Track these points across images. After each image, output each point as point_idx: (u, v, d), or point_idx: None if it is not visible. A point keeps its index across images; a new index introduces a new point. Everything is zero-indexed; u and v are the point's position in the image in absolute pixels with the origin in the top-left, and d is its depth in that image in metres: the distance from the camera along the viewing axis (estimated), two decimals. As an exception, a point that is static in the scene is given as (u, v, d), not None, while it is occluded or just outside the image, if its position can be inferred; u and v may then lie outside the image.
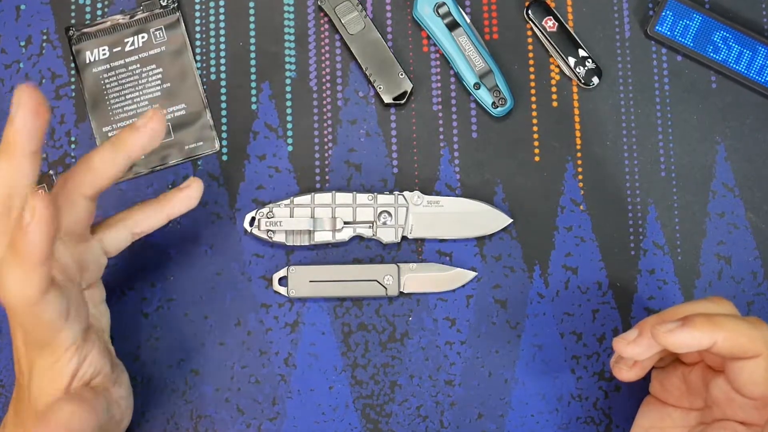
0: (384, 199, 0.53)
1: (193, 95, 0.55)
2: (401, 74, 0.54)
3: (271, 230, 0.53)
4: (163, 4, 0.55)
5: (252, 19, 0.56)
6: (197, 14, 0.56)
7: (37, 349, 0.42)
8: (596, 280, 0.53)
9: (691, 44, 0.54)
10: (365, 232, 0.53)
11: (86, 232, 0.46)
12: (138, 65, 0.55)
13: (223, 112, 0.55)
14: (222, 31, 0.56)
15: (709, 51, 0.54)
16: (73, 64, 0.55)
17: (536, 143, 0.55)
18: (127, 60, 0.55)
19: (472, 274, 0.53)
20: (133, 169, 0.54)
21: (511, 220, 0.53)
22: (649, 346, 0.42)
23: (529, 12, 0.55)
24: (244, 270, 0.54)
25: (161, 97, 0.55)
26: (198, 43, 0.55)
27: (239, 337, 0.53)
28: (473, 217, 0.53)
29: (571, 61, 0.54)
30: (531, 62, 0.55)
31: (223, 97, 0.55)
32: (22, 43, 0.55)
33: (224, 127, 0.55)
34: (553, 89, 0.55)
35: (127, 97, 0.55)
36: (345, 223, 0.53)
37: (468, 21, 0.54)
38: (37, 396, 0.43)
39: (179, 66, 0.55)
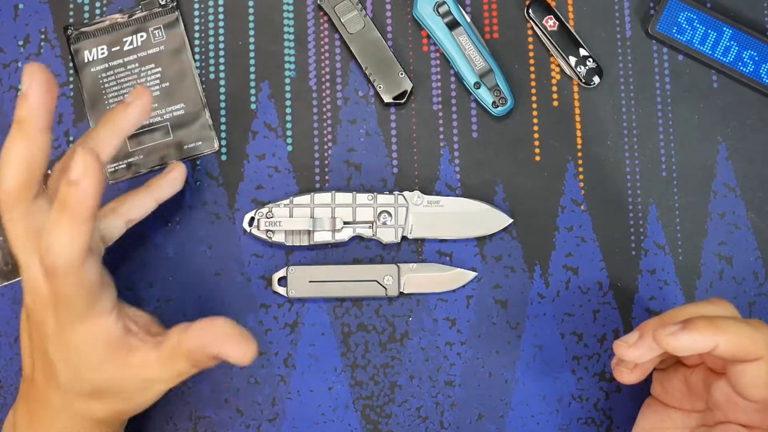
0: (384, 199, 0.53)
1: (192, 95, 0.55)
2: (401, 74, 0.54)
3: (271, 230, 0.52)
4: (162, 3, 0.55)
5: (251, 18, 0.56)
6: (196, 13, 0.55)
7: (76, 323, 0.42)
8: (597, 280, 0.53)
9: (693, 43, 0.54)
10: (365, 232, 0.53)
11: None
12: (137, 65, 0.55)
13: (222, 112, 0.55)
14: (221, 30, 0.55)
15: (711, 50, 0.54)
16: (71, 64, 0.55)
17: (537, 143, 0.54)
18: (125, 59, 0.55)
19: (472, 275, 0.53)
20: (132, 169, 0.54)
21: (512, 220, 0.53)
22: (650, 349, 0.42)
23: (530, 11, 0.55)
24: (243, 270, 0.53)
25: (160, 96, 0.55)
26: (197, 42, 0.55)
27: (238, 338, 0.53)
28: (473, 217, 0.53)
29: (572, 60, 0.54)
30: (531, 61, 0.55)
31: (222, 97, 0.55)
32: (21, 43, 0.55)
33: (223, 127, 0.55)
34: (554, 89, 0.55)
35: (126, 96, 0.54)
36: (345, 223, 0.52)
37: (468, 20, 0.54)
38: (89, 371, 0.43)
39: (178, 65, 0.55)
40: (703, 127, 0.54)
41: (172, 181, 0.51)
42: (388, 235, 0.53)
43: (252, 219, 0.53)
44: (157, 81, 0.55)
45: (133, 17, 0.55)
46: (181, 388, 0.53)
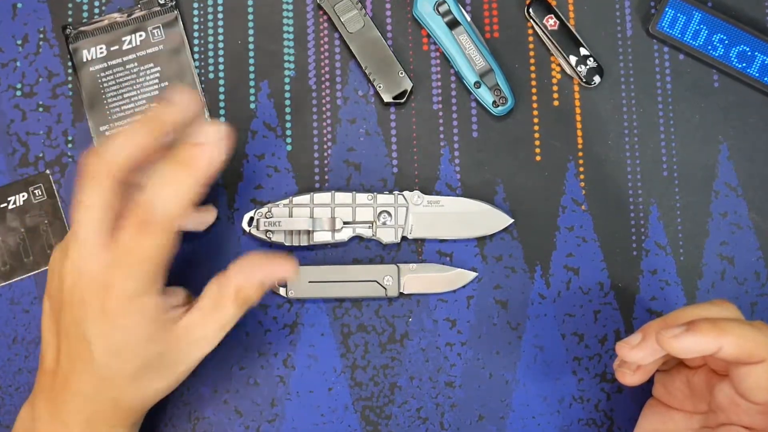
0: (384, 198, 0.52)
1: (191, 94, 0.55)
2: (401, 73, 0.54)
3: (270, 230, 0.52)
4: (161, 2, 0.55)
5: (250, 17, 0.55)
6: (195, 12, 0.55)
7: (133, 298, 0.42)
8: (598, 280, 0.53)
9: (694, 43, 0.54)
10: (365, 232, 0.52)
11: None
12: (135, 64, 0.55)
13: (222, 111, 0.55)
14: (220, 30, 0.55)
15: (712, 49, 0.54)
16: (70, 63, 0.55)
17: (537, 143, 0.54)
18: (124, 59, 0.55)
19: (472, 275, 0.53)
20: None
21: (512, 220, 0.53)
22: (652, 350, 0.42)
23: (530, 10, 0.54)
24: (243, 270, 0.53)
25: (159, 96, 0.54)
26: (196, 41, 0.55)
27: (237, 338, 0.53)
28: (474, 217, 0.53)
29: (573, 59, 0.54)
30: (532, 61, 0.55)
31: (222, 96, 0.55)
32: (19, 42, 0.55)
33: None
34: (554, 88, 0.55)
35: (125, 96, 0.54)
36: (344, 223, 0.52)
37: (468, 19, 0.54)
38: (133, 351, 0.43)
39: (177, 65, 0.55)
40: (704, 126, 0.54)
41: (199, 221, 0.50)
42: (387, 235, 0.52)
43: (251, 219, 0.53)
44: (156, 80, 0.55)
45: (132, 16, 0.55)
46: (180, 388, 0.52)
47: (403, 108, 0.55)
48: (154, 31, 0.55)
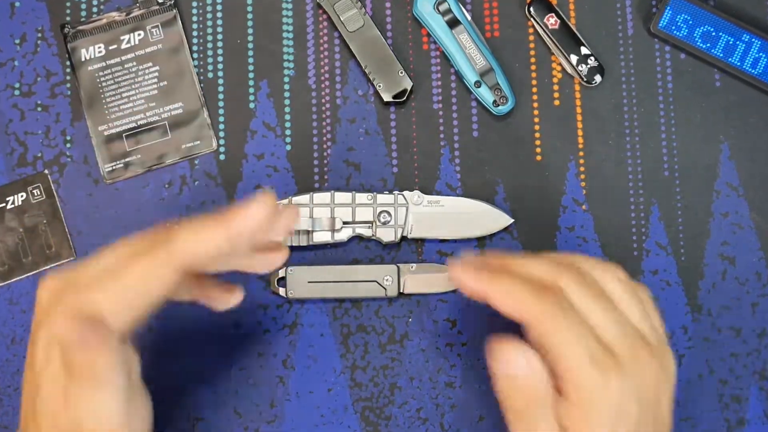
0: (383, 198, 0.52)
1: (190, 94, 0.54)
2: (401, 72, 0.54)
3: (269, 230, 0.52)
4: (160, 1, 0.55)
5: (250, 16, 0.55)
6: (194, 11, 0.55)
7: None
8: (598, 280, 0.53)
9: (695, 42, 0.54)
10: (364, 232, 0.52)
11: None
12: (134, 63, 0.54)
13: (221, 111, 0.55)
14: (219, 29, 0.55)
15: (713, 49, 0.54)
16: (68, 62, 0.54)
17: (538, 142, 0.54)
18: (123, 58, 0.54)
19: (472, 275, 0.53)
20: (129, 169, 0.54)
21: (512, 220, 0.53)
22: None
23: (531, 9, 0.54)
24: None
25: (158, 95, 0.54)
26: (195, 40, 0.55)
27: (237, 339, 0.53)
28: (474, 217, 0.53)
29: (573, 59, 0.54)
30: (532, 60, 0.55)
31: (221, 96, 0.55)
32: (17, 41, 0.55)
33: (222, 126, 0.54)
34: (555, 87, 0.54)
35: (124, 95, 0.54)
36: (344, 223, 0.52)
37: (469, 18, 0.54)
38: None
39: (176, 64, 0.54)
40: (705, 126, 0.54)
41: (222, 299, 0.47)
42: (387, 235, 0.52)
43: (250, 219, 0.52)
44: (155, 80, 0.54)
45: (131, 15, 0.55)
46: (179, 389, 0.52)
47: (403, 107, 0.55)
48: (153, 30, 0.55)
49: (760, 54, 0.53)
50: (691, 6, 0.54)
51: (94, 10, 0.55)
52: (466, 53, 0.54)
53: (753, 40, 0.53)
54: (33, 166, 0.54)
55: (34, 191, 0.54)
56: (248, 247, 0.42)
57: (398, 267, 0.52)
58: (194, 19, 0.55)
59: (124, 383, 0.40)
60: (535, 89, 0.55)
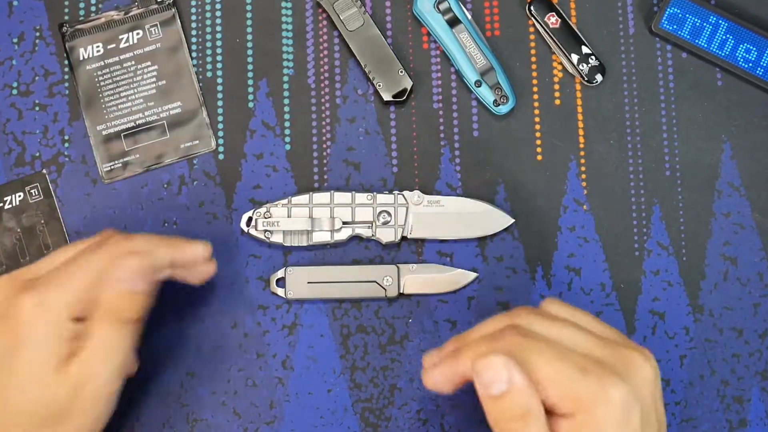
0: (383, 198, 0.52)
1: (188, 93, 0.54)
2: (401, 72, 0.54)
3: (269, 230, 0.52)
4: (159, 0, 0.54)
5: (249, 15, 0.55)
6: (193, 10, 0.55)
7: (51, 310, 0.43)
8: (600, 281, 0.53)
9: (697, 41, 0.53)
10: (364, 232, 0.52)
11: None
12: (133, 62, 0.54)
13: (220, 110, 0.54)
14: (218, 28, 0.55)
15: (715, 48, 0.53)
16: (66, 62, 0.54)
17: (538, 142, 0.54)
18: (121, 57, 0.54)
19: (473, 275, 0.52)
20: (128, 168, 0.54)
21: (513, 221, 0.52)
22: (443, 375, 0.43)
23: (532, 8, 0.54)
24: (241, 271, 0.53)
25: (156, 95, 0.54)
26: (194, 39, 0.55)
27: (236, 340, 0.52)
28: (474, 217, 0.52)
29: (574, 58, 0.54)
30: (533, 59, 0.55)
31: (220, 95, 0.54)
32: (15, 40, 0.55)
33: (220, 126, 0.54)
34: (556, 87, 0.54)
35: (122, 94, 0.54)
36: (343, 223, 0.52)
37: (469, 17, 0.54)
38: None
39: (175, 63, 0.54)
40: (707, 125, 0.54)
41: (197, 270, 0.48)
42: (387, 235, 0.52)
43: (250, 219, 0.52)
44: (154, 79, 0.54)
45: (129, 14, 0.54)
46: (177, 390, 0.52)
47: (403, 107, 0.54)
48: (152, 29, 0.54)
49: (762, 53, 0.53)
50: (692, 5, 0.53)
51: (93, 9, 0.55)
52: (467, 52, 0.53)
53: (755, 38, 0.53)
54: (31, 166, 0.54)
55: (32, 191, 0.53)
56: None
57: (398, 267, 0.52)
58: (193, 18, 0.55)
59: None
60: (535, 89, 0.54)
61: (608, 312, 0.52)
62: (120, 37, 0.54)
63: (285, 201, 0.52)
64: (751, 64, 0.53)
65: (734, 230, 0.53)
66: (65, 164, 0.54)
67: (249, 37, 0.55)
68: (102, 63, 0.54)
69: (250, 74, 0.55)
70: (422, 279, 0.52)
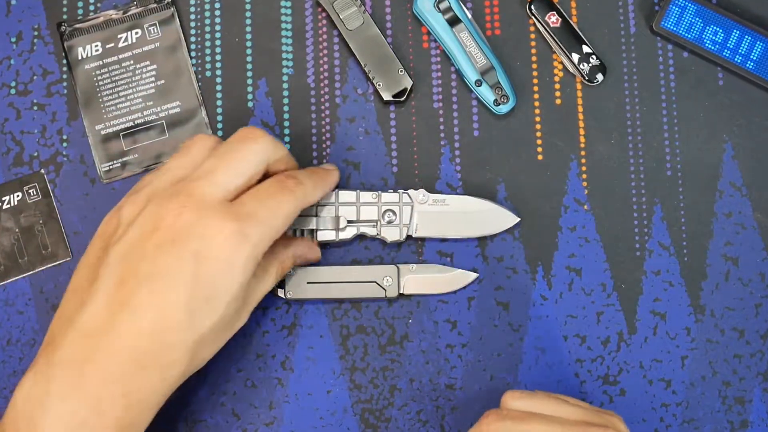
0: (388, 197, 0.52)
1: (188, 92, 0.54)
2: (401, 71, 0.53)
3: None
4: (158, -1, 0.54)
5: (248, 14, 0.55)
6: (192, 9, 0.55)
7: (260, 247, 0.45)
8: (600, 281, 0.53)
9: (698, 40, 0.53)
10: (369, 231, 0.52)
11: None
12: (131, 62, 0.54)
13: (219, 110, 0.54)
14: (217, 27, 0.55)
15: (716, 47, 0.53)
16: (65, 61, 0.54)
17: (539, 141, 0.54)
18: (120, 56, 0.54)
19: (473, 276, 0.52)
20: (127, 168, 0.53)
21: (518, 219, 0.52)
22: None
23: (532, 7, 0.54)
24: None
25: (155, 94, 0.54)
26: (193, 39, 0.55)
27: (235, 340, 0.52)
28: (479, 216, 0.52)
29: (575, 57, 0.53)
30: (534, 59, 0.54)
31: (219, 95, 0.54)
32: (13, 39, 0.54)
33: (220, 125, 0.54)
34: (557, 86, 0.54)
35: (121, 94, 0.54)
36: (348, 222, 0.51)
37: (469, 16, 0.54)
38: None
39: (174, 62, 0.54)
40: (708, 125, 0.54)
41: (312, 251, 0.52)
42: (392, 234, 0.52)
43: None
44: (153, 78, 0.54)
45: (128, 13, 0.54)
46: (177, 391, 0.52)
47: (403, 106, 0.54)
48: (151, 28, 0.54)
49: (764, 52, 0.53)
50: (693, 4, 0.53)
51: (91, 8, 0.55)
52: (467, 52, 0.53)
53: (756, 38, 0.53)
54: (29, 166, 0.53)
55: (30, 191, 0.53)
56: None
57: (398, 267, 0.52)
58: (192, 17, 0.55)
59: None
60: (536, 88, 0.54)
61: (609, 312, 0.52)
62: (119, 36, 0.54)
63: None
64: (752, 64, 0.53)
65: (736, 230, 0.53)
66: (64, 164, 0.53)
67: (248, 36, 0.55)
68: (101, 62, 0.54)
69: (249, 74, 0.54)
70: (422, 279, 0.52)
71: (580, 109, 0.54)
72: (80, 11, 0.55)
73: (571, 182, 0.53)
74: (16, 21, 0.55)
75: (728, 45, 0.53)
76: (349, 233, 0.52)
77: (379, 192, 0.52)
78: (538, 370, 0.52)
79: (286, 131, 0.54)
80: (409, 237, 0.52)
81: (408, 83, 0.53)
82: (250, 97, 0.54)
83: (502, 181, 0.53)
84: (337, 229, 0.51)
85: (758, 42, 0.53)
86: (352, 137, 0.54)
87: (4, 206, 0.53)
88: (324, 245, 0.53)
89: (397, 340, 0.52)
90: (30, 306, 0.52)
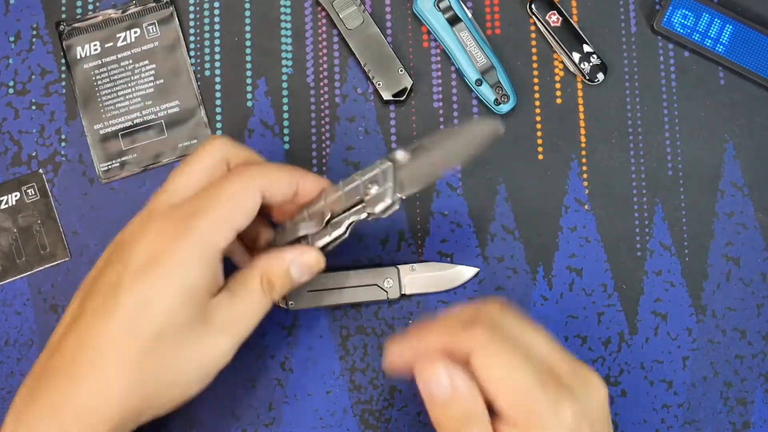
0: (365, 172, 0.45)
1: (187, 92, 0.54)
2: (401, 70, 0.53)
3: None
4: (156, -2, 0.54)
5: (247, 13, 0.55)
6: (191, 9, 0.55)
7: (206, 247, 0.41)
8: (601, 281, 0.52)
9: (699, 39, 0.53)
10: (358, 216, 0.45)
11: None
12: (130, 61, 0.54)
13: (218, 109, 0.54)
14: (216, 26, 0.55)
15: (717, 46, 0.53)
16: (63, 60, 0.54)
17: (540, 141, 0.54)
18: (119, 56, 0.54)
19: (473, 271, 0.52)
20: (125, 168, 0.53)
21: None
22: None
23: (533, 6, 0.54)
24: (240, 271, 0.52)
25: (154, 93, 0.54)
26: (192, 38, 0.54)
27: (234, 341, 0.52)
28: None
29: (576, 56, 0.53)
30: (534, 58, 0.54)
31: (218, 94, 0.54)
32: (12, 39, 0.54)
33: (219, 125, 0.54)
34: (557, 86, 0.54)
35: (119, 93, 0.54)
36: (332, 217, 0.46)
37: (469, 16, 0.53)
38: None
39: (173, 62, 0.54)
40: (709, 124, 0.54)
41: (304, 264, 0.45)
42: (379, 203, 0.45)
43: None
44: (151, 78, 0.54)
45: (127, 13, 0.54)
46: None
47: (402, 106, 0.54)
48: (149, 27, 0.54)
49: (765, 51, 0.53)
50: (694, 3, 0.53)
51: (90, 7, 0.54)
52: (467, 51, 0.53)
53: (757, 37, 0.53)
54: (27, 166, 0.53)
55: (29, 191, 0.53)
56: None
57: (398, 269, 0.52)
58: (191, 16, 0.55)
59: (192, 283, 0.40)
60: (536, 87, 0.54)
61: (610, 313, 0.52)
62: (117, 35, 0.54)
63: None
64: (753, 63, 0.53)
65: (737, 230, 0.53)
66: (62, 164, 0.53)
67: (247, 35, 0.55)
68: (99, 62, 0.54)
69: (248, 73, 0.54)
70: (423, 278, 0.52)
71: (581, 108, 0.54)
72: (79, 10, 0.54)
73: (571, 182, 0.53)
74: (15, 20, 0.54)
75: (729, 44, 0.53)
76: (343, 228, 0.45)
77: (357, 171, 0.46)
78: (539, 370, 0.52)
79: (286, 131, 0.54)
80: (402, 201, 0.45)
81: (408, 83, 0.53)
82: (249, 96, 0.54)
83: (502, 181, 0.53)
84: (327, 226, 0.46)
85: (759, 41, 0.53)
86: (352, 137, 0.54)
87: (2, 206, 0.53)
88: (324, 251, 0.48)
89: (396, 341, 0.52)
90: (28, 306, 0.52)
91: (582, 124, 0.54)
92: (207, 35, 0.54)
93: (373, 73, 0.53)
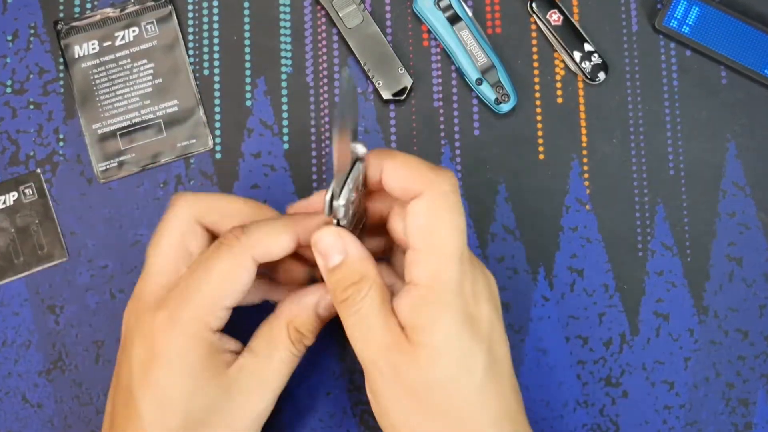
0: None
1: (185, 91, 0.53)
2: (401, 70, 0.53)
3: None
4: (155, -3, 0.54)
5: (246, 12, 0.54)
6: (190, 7, 0.54)
7: (194, 325, 0.41)
8: (602, 282, 0.52)
9: (701, 39, 0.53)
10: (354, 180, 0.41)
11: None
12: (129, 60, 0.53)
13: (217, 109, 0.54)
14: (216, 25, 0.54)
15: (719, 45, 0.53)
16: (61, 59, 0.54)
17: (540, 141, 0.53)
18: (117, 55, 0.54)
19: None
20: (124, 168, 0.53)
21: None
22: None
23: (533, 5, 0.53)
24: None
25: (153, 93, 0.53)
26: (191, 37, 0.54)
27: (233, 342, 0.52)
28: None
29: (577, 56, 0.53)
30: (535, 57, 0.54)
31: (217, 93, 0.54)
32: (9, 38, 0.54)
33: (218, 124, 0.54)
34: (558, 85, 0.54)
35: (118, 93, 0.53)
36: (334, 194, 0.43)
37: (470, 14, 0.53)
38: (179, 400, 0.41)
39: (171, 61, 0.54)
40: (711, 124, 0.53)
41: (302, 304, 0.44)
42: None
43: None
44: (150, 77, 0.53)
45: (125, 11, 0.54)
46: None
47: (402, 105, 0.54)
48: (148, 26, 0.54)
49: (767, 50, 0.53)
50: (696, 2, 0.53)
51: (88, 6, 0.54)
52: (468, 50, 0.53)
53: (760, 36, 0.53)
54: (25, 165, 0.53)
55: (26, 191, 0.53)
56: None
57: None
58: (190, 15, 0.54)
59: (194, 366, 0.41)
60: (537, 87, 0.54)
61: (611, 313, 0.52)
62: (116, 34, 0.54)
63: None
64: (755, 62, 0.53)
65: (739, 230, 0.53)
66: (60, 163, 0.53)
67: (247, 34, 0.54)
68: (97, 61, 0.53)
69: (247, 72, 0.54)
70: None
71: (582, 108, 0.54)
72: (77, 9, 0.54)
73: (572, 182, 0.53)
74: (12, 19, 0.54)
75: (731, 43, 0.53)
76: (342, 200, 0.40)
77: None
78: (540, 371, 0.51)
79: (285, 130, 0.54)
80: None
81: (408, 82, 0.53)
82: (248, 96, 0.54)
83: (502, 180, 0.53)
84: (331, 203, 0.40)
85: (761, 40, 0.53)
86: (352, 136, 0.53)
87: (0, 206, 0.52)
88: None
89: (397, 342, 0.52)
90: (25, 307, 0.52)
91: (583, 123, 0.53)
92: (206, 34, 0.54)
93: (372, 73, 0.53)
